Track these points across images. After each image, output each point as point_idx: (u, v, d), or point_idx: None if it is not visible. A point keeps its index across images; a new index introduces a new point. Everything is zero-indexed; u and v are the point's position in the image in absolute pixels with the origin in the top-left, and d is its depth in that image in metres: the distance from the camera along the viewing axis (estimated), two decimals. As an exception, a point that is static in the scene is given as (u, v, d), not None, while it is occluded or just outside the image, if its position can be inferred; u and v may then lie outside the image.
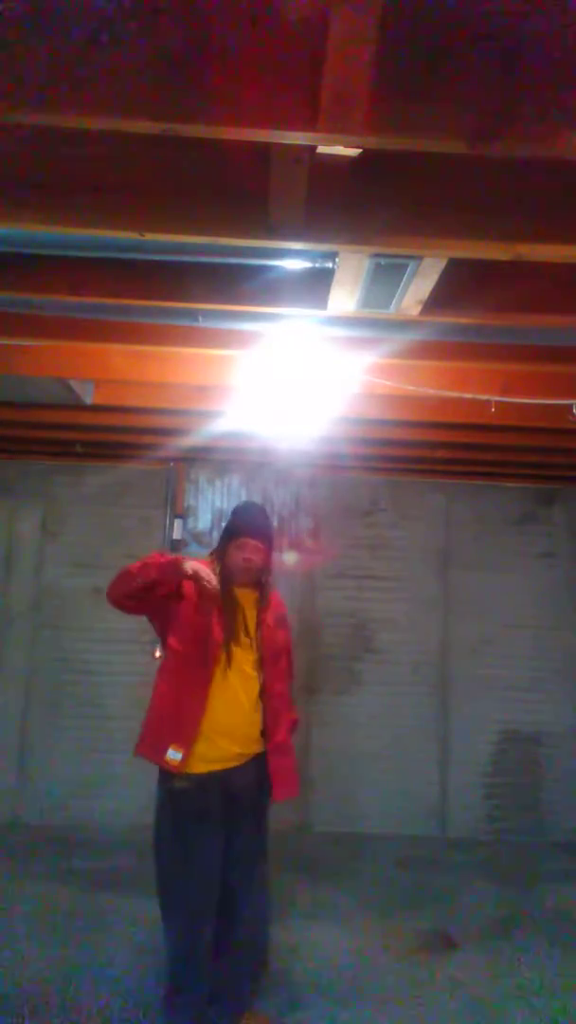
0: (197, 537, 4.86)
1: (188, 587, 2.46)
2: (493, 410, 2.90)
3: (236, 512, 2.67)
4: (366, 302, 1.97)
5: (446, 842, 4.58)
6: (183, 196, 1.59)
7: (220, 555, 2.57)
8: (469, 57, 1.19)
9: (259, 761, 2.47)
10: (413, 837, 4.57)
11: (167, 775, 2.37)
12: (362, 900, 3.64)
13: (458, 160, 1.44)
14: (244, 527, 2.56)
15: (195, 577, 2.35)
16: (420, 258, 1.73)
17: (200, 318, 2.15)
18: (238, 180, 1.57)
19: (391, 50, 1.13)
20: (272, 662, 2.52)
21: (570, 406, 2.90)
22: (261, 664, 2.48)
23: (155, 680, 2.48)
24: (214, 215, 1.60)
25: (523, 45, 1.18)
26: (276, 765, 2.45)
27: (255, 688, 2.45)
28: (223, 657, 2.40)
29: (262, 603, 2.57)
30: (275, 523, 4.78)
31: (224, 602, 2.46)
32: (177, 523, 4.82)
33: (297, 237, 1.62)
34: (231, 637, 2.43)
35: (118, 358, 2.78)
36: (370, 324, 2.22)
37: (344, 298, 1.97)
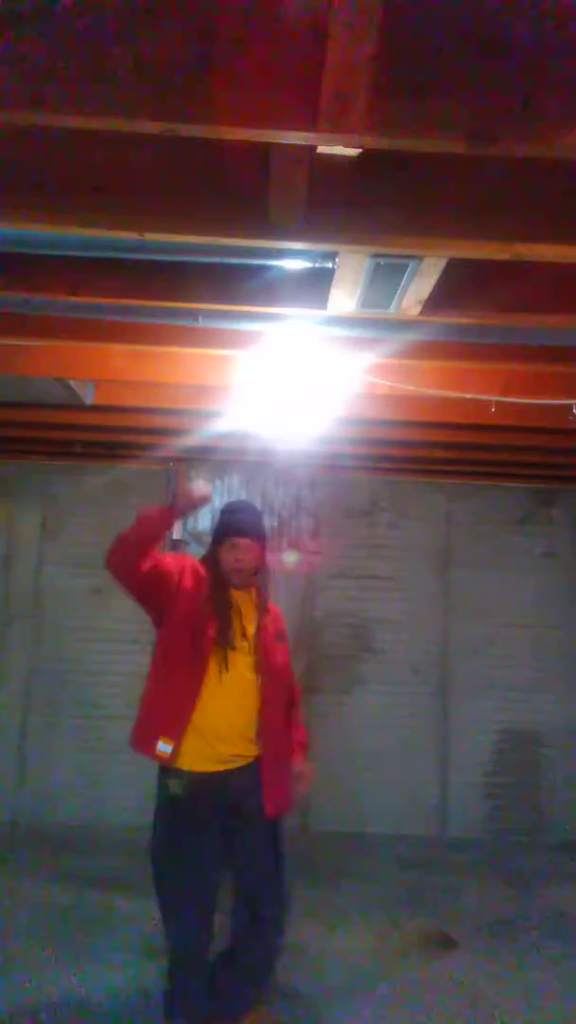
0: (197, 537, 4.85)
1: (187, 580, 2.41)
2: (493, 410, 2.90)
3: (224, 511, 2.57)
4: (366, 302, 1.97)
5: (446, 842, 4.58)
6: (183, 196, 1.59)
7: (212, 557, 2.48)
8: (469, 57, 1.19)
9: (255, 767, 2.39)
10: (413, 837, 4.57)
11: (164, 776, 2.33)
12: (362, 900, 3.64)
13: (458, 160, 1.44)
14: (233, 526, 2.47)
15: (180, 496, 2.33)
16: (420, 258, 1.73)
17: (200, 318, 2.15)
18: (238, 180, 1.57)
19: (391, 50, 1.13)
20: (270, 668, 2.44)
21: (570, 406, 2.89)
22: (258, 668, 2.41)
23: (148, 672, 2.45)
24: (214, 215, 1.60)
25: (522, 44, 1.18)
26: (267, 779, 2.37)
27: (252, 691, 2.38)
28: (218, 658, 2.34)
29: (261, 605, 2.50)
30: (272, 521, 4.79)
31: (218, 604, 2.39)
32: (177, 523, 4.82)
33: (297, 237, 1.62)
34: (226, 639, 2.37)
35: (118, 358, 2.78)
36: (370, 324, 2.22)
37: (344, 298, 1.97)
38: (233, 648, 2.37)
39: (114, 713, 4.59)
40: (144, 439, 4.01)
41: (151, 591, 2.37)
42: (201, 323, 2.18)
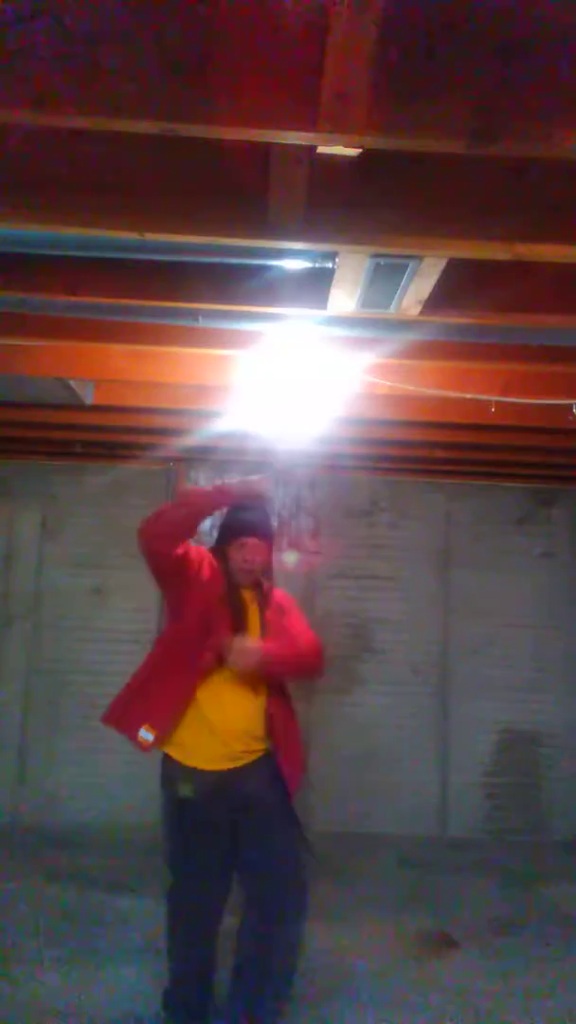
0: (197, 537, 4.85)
1: (205, 571, 2.37)
2: (493, 410, 2.90)
3: (233, 508, 2.51)
4: (366, 302, 1.97)
5: (446, 842, 4.58)
6: (183, 196, 1.59)
7: (219, 555, 2.45)
8: (469, 56, 1.19)
9: (268, 761, 2.34)
10: (413, 837, 4.57)
11: (171, 779, 2.28)
12: (362, 900, 3.63)
13: (458, 160, 1.44)
14: (244, 525, 2.43)
15: (240, 484, 2.32)
16: (420, 258, 1.73)
17: (200, 318, 2.15)
18: (238, 180, 1.57)
19: (391, 50, 1.13)
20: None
21: (570, 406, 2.89)
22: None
23: (149, 652, 2.40)
24: (214, 215, 1.60)
25: (523, 44, 1.18)
26: (286, 770, 2.33)
27: (259, 689, 2.34)
28: (224, 656, 2.29)
29: (263, 603, 2.48)
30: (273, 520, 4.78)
31: (232, 602, 2.37)
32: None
33: (297, 237, 1.62)
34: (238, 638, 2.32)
35: (118, 358, 2.78)
36: (370, 324, 2.22)
37: (344, 298, 1.97)
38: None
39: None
40: (144, 439, 4.01)
41: (175, 574, 2.33)
42: (201, 323, 2.18)
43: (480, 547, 4.95)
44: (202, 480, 4.93)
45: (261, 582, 2.51)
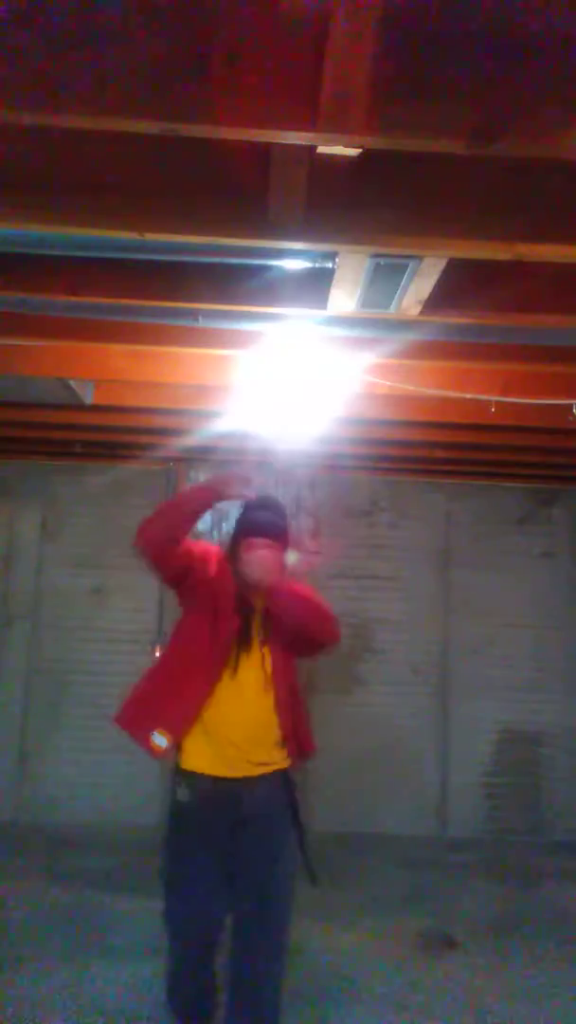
0: (197, 537, 4.85)
1: (211, 567, 2.26)
2: (493, 410, 2.90)
3: (245, 507, 2.37)
4: (366, 302, 1.97)
5: (446, 842, 4.58)
6: (183, 196, 1.59)
7: (231, 557, 2.32)
8: (469, 57, 1.19)
9: (279, 780, 2.20)
10: (413, 837, 4.57)
11: (174, 781, 2.21)
12: (362, 900, 3.63)
13: (458, 160, 1.44)
14: (252, 525, 2.29)
15: (228, 481, 2.22)
16: (420, 258, 1.73)
17: (200, 318, 2.15)
18: (238, 180, 1.57)
19: (391, 50, 1.13)
20: (281, 659, 2.26)
21: (570, 406, 2.90)
22: (273, 672, 2.24)
23: (163, 652, 2.31)
24: (214, 215, 1.60)
25: (523, 44, 1.18)
26: (290, 751, 2.24)
27: (267, 696, 2.21)
28: (234, 659, 2.20)
29: (268, 599, 2.30)
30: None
31: (240, 604, 2.25)
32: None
33: (297, 237, 1.62)
34: (244, 644, 2.22)
35: (118, 358, 2.78)
36: (370, 324, 2.22)
37: (344, 298, 1.97)
38: (249, 650, 2.23)
39: (114, 713, 4.59)
40: (144, 439, 4.01)
41: (179, 574, 2.24)
42: (201, 323, 2.18)
43: (480, 547, 4.95)
44: (202, 479, 4.93)
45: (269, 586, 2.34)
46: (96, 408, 3.23)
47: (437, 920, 3.48)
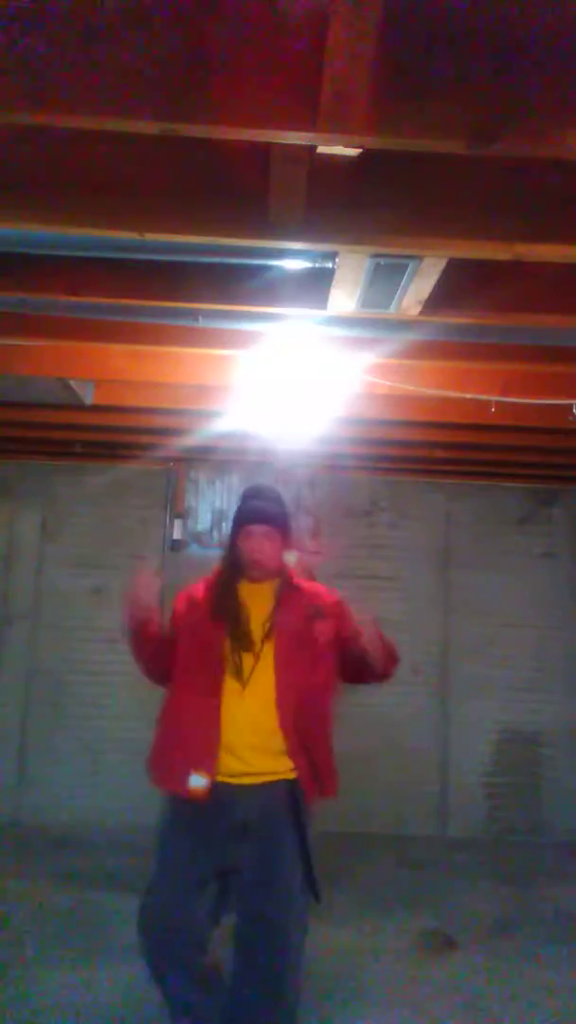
0: (197, 537, 4.86)
1: (179, 611, 2.27)
2: (493, 410, 2.90)
3: (242, 497, 2.32)
4: (366, 302, 1.97)
5: (446, 842, 4.58)
6: (183, 196, 1.59)
7: (229, 553, 2.26)
8: (469, 57, 1.19)
9: (283, 789, 2.07)
10: (413, 837, 4.57)
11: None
12: (362, 900, 3.63)
13: (458, 160, 1.44)
14: (247, 513, 2.23)
15: (130, 606, 2.22)
16: (420, 258, 1.73)
17: (200, 318, 2.16)
18: (238, 180, 1.57)
19: (391, 50, 1.13)
20: (293, 662, 2.12)
21: (570, 406, 2.90)
22: (277, 671, 2.11)
23: (164, 698, 2.24)
24: (214, 215, 1.60)
25: (523, 44, 1.18)
26: (301, 771, 2.09)
27: (267, 695, 2.08)
28: (231, 665, 2.09)
29: (281, 595, 2.21)
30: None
31: (220, 606, 2.17)
32: (177, 523, 4.82)
33: (297, 237, 1.62)
34: (237, 643, 2.11)
35: (118, 358, 2.78)
36: (370, 324, 2.22)
37: (344, 298, 1.97)
38: (247, 650, 2.11)
39: (114, 713, 4.59)
40: (144, 439, 4.02)
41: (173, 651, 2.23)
42: (201, 323, 2.18)
43: (480, 547, 4.94)
44: (202, 479, 4.93)
45: (282, 575, 2.25)
46: (96, 408, 3.24)
47: (437, 920, 3.48)
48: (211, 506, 4.92)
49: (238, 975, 2.04)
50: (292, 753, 2.08)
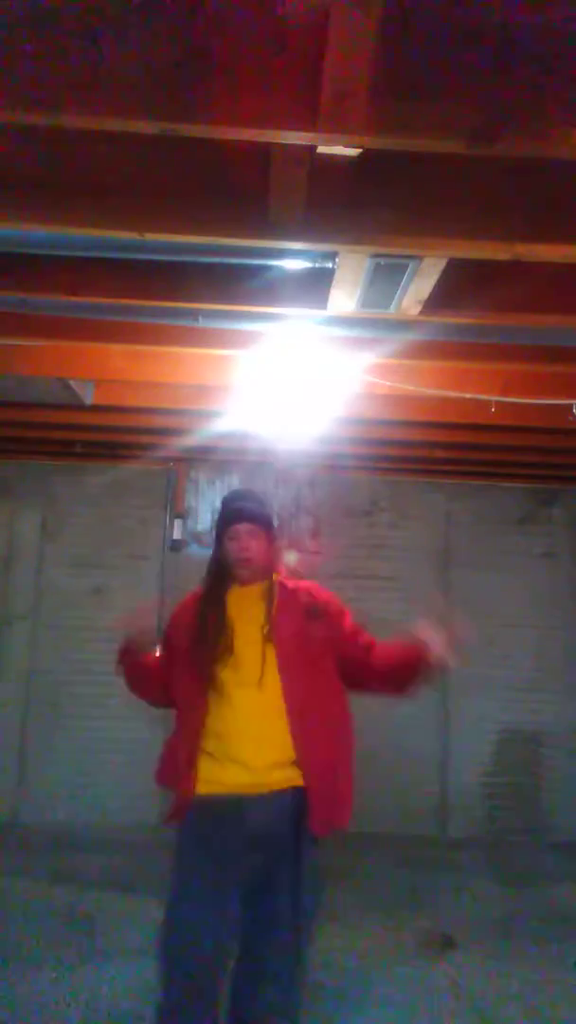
0: (197, 537, 4.85)
1: (171, 634, 2.21)
2: (493, 410, 2.90)
3: (224, 500, 2.28)
4: (366, 302, 1.97)
5: (446, 842, 4.58)
6: (183, 196, 1.59)
7: (216, 558, 2.19)
8: (469, 57, 1.19)
9: (294, 797, 1.97)
10: (413, 837, 4.56)
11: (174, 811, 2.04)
12: (362, 900, 3.63)
13: (458, 160, 1.44)
14: (232, 514, 2.16)
15: (127, 638, 2.18)
16: (420, 258, 1.73)
17: (200, 318, 2.15)
18: (238, 180, 1.57)
19: (391, 50, 1.13)
20: (297, 665, 2.04)
21: (570, 406, 2.90)
22: (281, 672, 2.01)
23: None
24: (214, 215, 1.60)
25: (522, 44, 1.18)
26: (315, 803, 1.99)
27: (273, 702, 1.99)
28: (222, 672, 2.00)
29: (272, 596, 2.12)
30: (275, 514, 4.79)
31: (205, 611, 2.10)
32: (177, 523, 4.82)
33: (297, 237, 1.62)
34: (215, 650, 2.03)
35: (118, 358, 2.78)
36: (370, 324, 2.22)
37: (344, 298, 1.97)
38: (231, 653, 2.02)
39: (114, 713, 4.58)
40: (144, 439, 4.02)
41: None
42: (201, 323, 2.18)
43: (480, 547, 4.94)
44: (202, 479, 4.93)
45: (270, 574, 2.18)
46: (96, 408, 3.24)
47: (437, 920, 3.47)
48: (211, 506, 4.91)
49: (249, 977, 1.99)
50: (300, 762, 2.00)
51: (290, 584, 2.21)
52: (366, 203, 1.57)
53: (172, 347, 2.54)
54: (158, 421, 3.55)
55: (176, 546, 4.79)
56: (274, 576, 2.19)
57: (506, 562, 4.92)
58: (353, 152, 1.38)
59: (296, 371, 2.77)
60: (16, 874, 3.79)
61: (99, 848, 4.13)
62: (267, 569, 2.18)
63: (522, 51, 1.18)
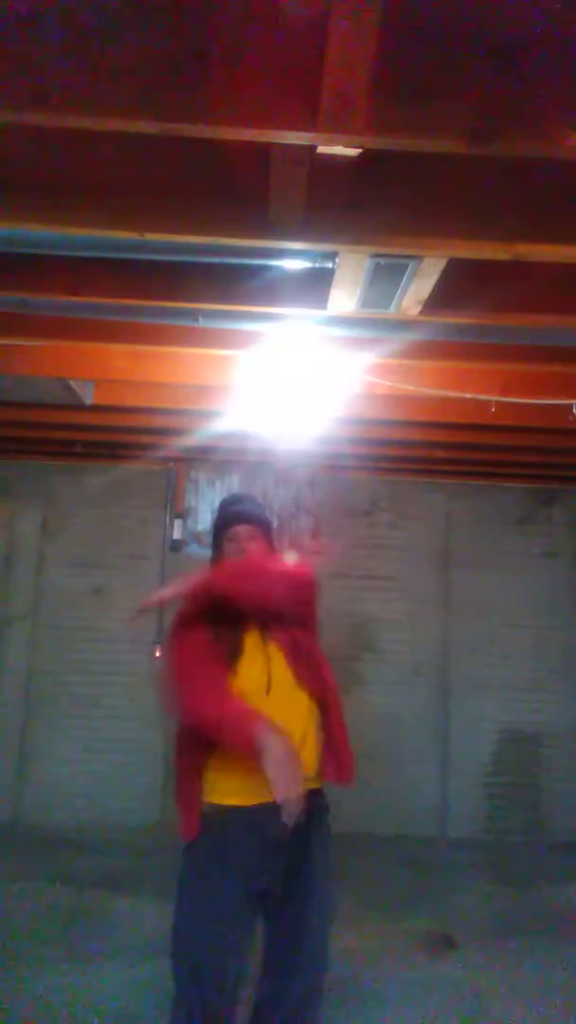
0: (197, 537, 4.85)
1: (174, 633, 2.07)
2: (493, 410, 2.90)
3: (221, 504, 2.29)
4: (366, 302, 1.97)
5: (446, 842, 4.58)
6: (183, 196, 1.59)
7: (216, 559, 2.16)
8: (469, 57, 1.19)
9: (312, 799, 1.91)
10: (413, 837, 4.56)
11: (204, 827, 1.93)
12: (362, 900, 3.63)
13: (458, 160, 1.44)
14: (232, 516, 2.16)
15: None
16: (420, 258, 1.73)
17: (200, 318, 2.15)
18: (238, 180, 1.57)
19: (391, 50, 1.13)
20: (300, 665, 2.05)
21: (570, 406, 2.90)
22: (299, 677, 2.02)
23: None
24: (214, 215, 1.60)
25: (523, 45, 1.18)
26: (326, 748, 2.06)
27: (299, 705, 1.99)
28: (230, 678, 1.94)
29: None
30: (274, 518, 4.79)
31: (218, 615, 2.00)
32: (177, 523, 4.82)
33: (297, 237, 1.62)
34: (234, 653, 1.98)
35: (118, 358, 2.78)
36: (370, 324, 2.22)
37: (344, 298, 1.97)
38: (236, 660, 1.98)
39: (114, 713, 4.59)
40: (144, 439, 4.02)
41: None
42: (201, 323, 2.18)
43: (480, 547, 4.94)
44: (202, 479, 4.93)
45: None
46: (96, 408, 3.24)
47: (437, 920, 3.48)
48: (211, 506, 4.91)
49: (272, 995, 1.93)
50: (322, 772, 2.06)
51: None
52: (366, 203, 1.57)
53: (172, 347, 2.54)
54: (158, 421, 3.55)
55: (176, 546, 4.79)
56: None
57: (506, 562, 4.92)
58: (353, 152, 1.37)
59: (296, 371, 2.77)
60: (16, 874, 3.79)
61: (99, 848, 4.13)
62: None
63: (522, 51, 1.18)
